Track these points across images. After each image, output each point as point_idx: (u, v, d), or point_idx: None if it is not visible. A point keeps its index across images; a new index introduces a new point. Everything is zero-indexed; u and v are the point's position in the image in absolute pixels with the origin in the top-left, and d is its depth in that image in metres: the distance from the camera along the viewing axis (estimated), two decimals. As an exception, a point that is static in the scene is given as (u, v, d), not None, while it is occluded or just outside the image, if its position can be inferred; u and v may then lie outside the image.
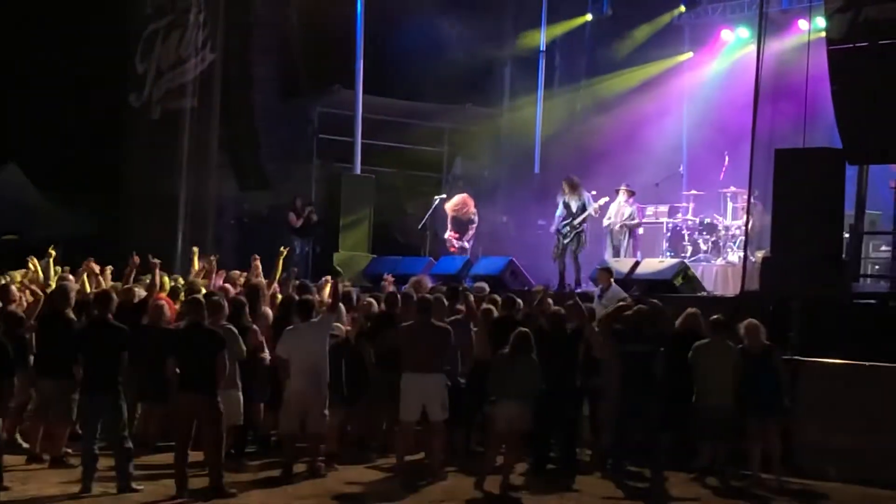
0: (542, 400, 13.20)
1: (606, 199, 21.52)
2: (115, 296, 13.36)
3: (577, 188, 20.93)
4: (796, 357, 14.41)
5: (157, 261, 15.92)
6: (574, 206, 20.76)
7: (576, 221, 20.67)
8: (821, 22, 18.79)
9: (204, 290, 15.05)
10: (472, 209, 22.54)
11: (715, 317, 13.81)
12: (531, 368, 13.00)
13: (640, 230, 22.37)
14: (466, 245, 22.39)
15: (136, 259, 16.43)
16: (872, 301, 16.83)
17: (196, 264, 17.63)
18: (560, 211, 20.95)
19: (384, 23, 25.18)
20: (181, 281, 17.03)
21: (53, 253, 15.46)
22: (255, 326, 14.25)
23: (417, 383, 13.29)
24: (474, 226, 22.55)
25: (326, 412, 13.33)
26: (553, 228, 21.13)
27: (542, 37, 27.66)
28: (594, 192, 21.59)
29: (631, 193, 22.05)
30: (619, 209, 21.92)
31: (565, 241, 20.71)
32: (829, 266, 16.70)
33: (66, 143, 24.87)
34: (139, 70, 25.65)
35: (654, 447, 13.51)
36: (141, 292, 15.37)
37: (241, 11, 25.35)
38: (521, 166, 27.10)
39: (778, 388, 13.36)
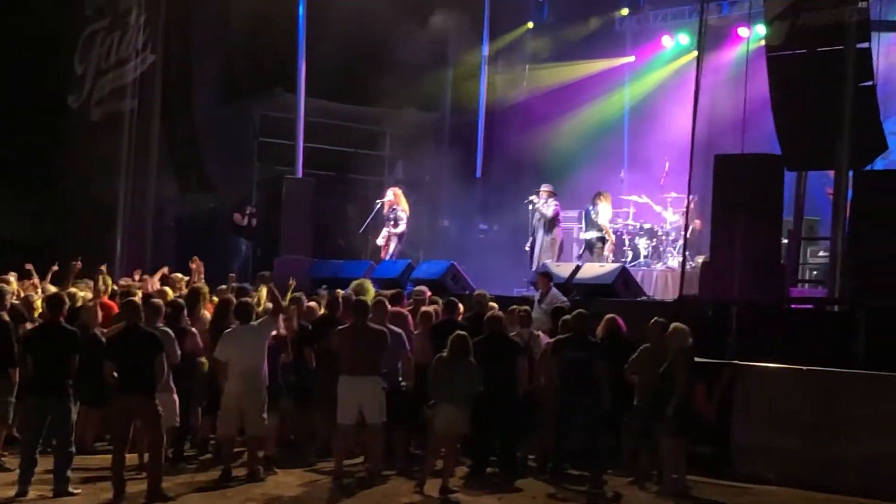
0: (482, 403, 13.25)
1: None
2: (66, 298, 13.23)
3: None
4: (734, 361, 14.49)
5: (102, 267, 15.98)
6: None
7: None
8: (761, 30, 18.98)
9: (140, 293, 14.95)
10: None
11: (656, 319, 13.85)
12: (470, 372, 13.02)
13: (555, 231, 22.35)
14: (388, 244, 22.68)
15: (78, 264, 16.41)
16: (810, 306, 17.00)
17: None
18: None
19: (326, 26, 25.09)
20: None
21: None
22: (193, 329, 14.17)
23: (354, 386, 13.25)
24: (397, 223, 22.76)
25: (265, 415, 13.28)
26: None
27: (484, 42, 27.68)
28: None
29: (551, 194, 22.14)
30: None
31: None
32: (767, 271, 16.83)
33: (4, 145, 24.57)
34: (78, 71, 25.44)
35: (593, 450, 13.58)
36: (86, 295, 15.28)
37: (182, 14, 25.18)
38: (462, 171, 27.10)
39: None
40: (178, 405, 13.52)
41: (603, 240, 21.76)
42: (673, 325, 13.37)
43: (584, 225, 22.21)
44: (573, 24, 27.30)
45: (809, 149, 16.90)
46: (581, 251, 22.40)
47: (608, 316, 14.40)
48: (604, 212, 21.82)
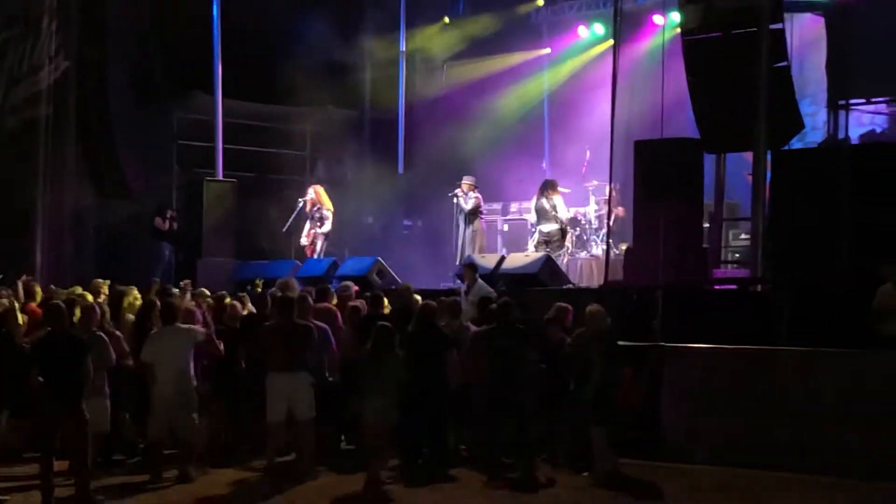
0: (414, 394, 13.23)
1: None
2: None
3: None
4: (661, 343, 14.56)
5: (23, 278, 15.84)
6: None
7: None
8: (676, 17, 19.13)
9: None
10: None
11: (592, 304, 13.84)
12: (395, 363, 13.00)
13: (477, 223, 22.38)
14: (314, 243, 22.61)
15: None
16: (733, 286, 17.15)
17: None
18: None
19: (242, 27, 24.96)
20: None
21: None
22: (119, 333, 14.01)
23: (282, 383, 13.19)
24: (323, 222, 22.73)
25: (195, 416, 13.19)
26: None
27: (401, 38, 27.67)
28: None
29: (472, 187, 22.15)
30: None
31: None
32: (690, 254, 16.98)
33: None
34: (-9, 80, 25.08)
35: (525, 439, 13.57)
36: (6, 303, 15.10)
37: (95, 18, 24.91)
38: (384, 167, 27.05)
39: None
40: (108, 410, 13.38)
41: (564, 232, 21.63)
42: (589, 308, 13.40)
43: (536, 218, 21.82)
44: (489, 16, 27.37)
45: (727, 131, 17.10)
46: (535, 244, 21.97)
47: (560, 305, 14.32)
48: (560, 204, 21.61)
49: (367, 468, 13.05)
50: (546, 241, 21.48)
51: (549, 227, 21.55)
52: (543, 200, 21.51)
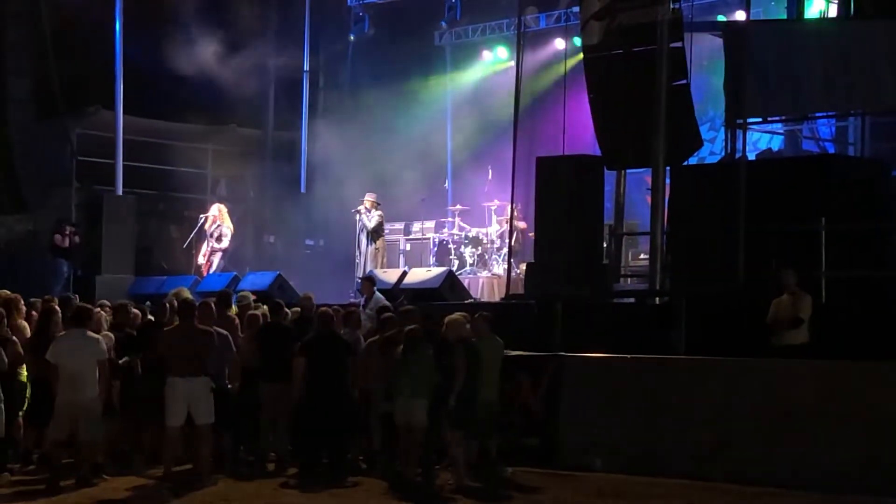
0: (314, 401, 13.25)
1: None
2: None
3: None
4: (560, 353, 14.63)
5: None
6: None
7: None
8: (578, 41, 19.33)
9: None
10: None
11: (483, 313, 13.87)
12: (428, 363, 13.04)
13: (380, 241, 22.49)
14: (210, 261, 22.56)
15: None
16: (632, 300, 17.33)
17: None
18: None
19: (145, 43, 24.84)
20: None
21: None
22: (14, 338, 13.80)
23: (182, 387, 13.07)
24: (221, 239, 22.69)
25: (100, 422, 13.02)
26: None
27: (305, 57, 27.70)
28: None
29: (374, 204, 22.22)
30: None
31: None
32: (590, 268, 17.11)
33: None
34: None
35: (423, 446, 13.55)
36: None
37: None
38: (287, 186, 27.02)
39: None
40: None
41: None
42: (449, 316, 13.43)
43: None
44: (394, 37, 27.53)
45: (628, 148, 17.27)
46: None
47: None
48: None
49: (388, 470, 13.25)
50: None
51: None
52: None
